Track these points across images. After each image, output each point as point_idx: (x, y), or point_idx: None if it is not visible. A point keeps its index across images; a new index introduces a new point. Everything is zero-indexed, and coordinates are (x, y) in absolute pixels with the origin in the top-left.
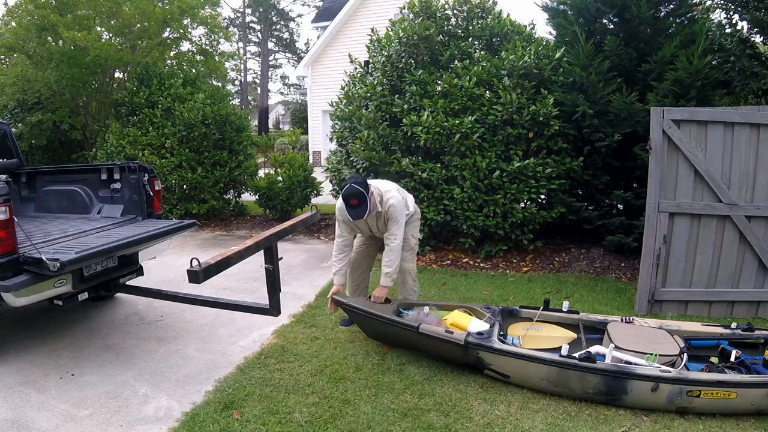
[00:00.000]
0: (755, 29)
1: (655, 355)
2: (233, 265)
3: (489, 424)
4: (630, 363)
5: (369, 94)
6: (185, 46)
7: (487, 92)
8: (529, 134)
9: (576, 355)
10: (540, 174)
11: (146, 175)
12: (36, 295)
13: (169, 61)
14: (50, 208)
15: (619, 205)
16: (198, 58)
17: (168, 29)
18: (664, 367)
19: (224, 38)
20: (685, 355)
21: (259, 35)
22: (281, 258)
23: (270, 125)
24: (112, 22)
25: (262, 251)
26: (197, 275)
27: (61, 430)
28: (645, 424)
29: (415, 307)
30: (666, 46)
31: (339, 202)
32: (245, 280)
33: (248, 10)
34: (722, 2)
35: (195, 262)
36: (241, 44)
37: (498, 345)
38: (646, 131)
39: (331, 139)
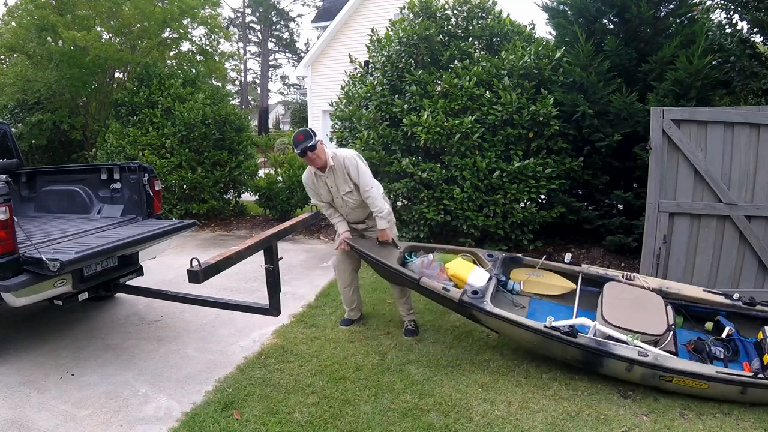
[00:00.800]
0: (755, 29)
1: (636, 336)
2: (233, 265)
3: (489, 424)
4: (611, 338)
5: (369, 94)
6: (185, 46)
7: (487, 92)
8: (529, 134)
9: (559, 326)
10: (540, 174)
11: (146, 175)
12: (36, 295)
13: (169, 61)
14: (50, 208)
15: (619, 205)
16: (198, 58)
17: (168, 29)
18: (642, 350)
19: (224, 38)
20: (671, 333)
21: (259, 35)
22: (281, 258)
23: (270, 125)
24: (111, 22)
25: (262, 251)
26: (197, 275)
27: (61, 430)
28: (645, 424)
29: (422, 252)
30: (666, 46)
31: (305, 174)
32: (245, 280)
33: (248, 10)
34: (722, 2)
35: (195, 262)
36: (241, 44)
37: (489, 308)
38: (646, 131)
39: (331, 139)
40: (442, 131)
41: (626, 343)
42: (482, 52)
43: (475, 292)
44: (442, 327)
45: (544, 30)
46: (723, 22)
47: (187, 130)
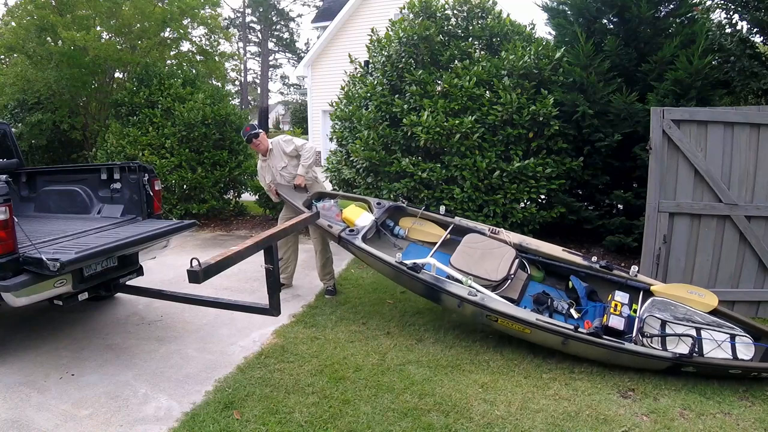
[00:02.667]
0: (755, 29)
1: (469, 279)
2: (233, 265)
3: (489, 424)
4: (450, 278)
5: (369, 94)
6: (185, 46)
7: (487, 92)
8: (529, 134)
9: (407, 262)
10: (540, 174)
11: (146, 175)
12: (36, 295)
13: (169, 61)
14: (50, 208)
15: (619, 205)
16: (198, 58)
17: (168, 29)
18: (472, 290)
19: (224, 38)
20: (509, 281)
21: (259, 35)
22: (281, 258)
23: (270, 125)
24: (111, 22)
25: (262, 251)
26: (197, 275)
27: (61, 430)
28: (645, 424)
29: (327, 198)
30: (666, 46)
31: (258, 163)
32: (245, 280)
33: (248, 10)
34: (722, 2)
35: (195, 262)
36: (241, 44)
37: (358, 243)
38: (646, 131)
39: (331, 139)
40: (442, 131)
41: (461, 283)
42: (482, 52)
43: (351, 231)
44: (442, 327)
45: (544, 30)
46: (723, 22)
47: (187, 130)
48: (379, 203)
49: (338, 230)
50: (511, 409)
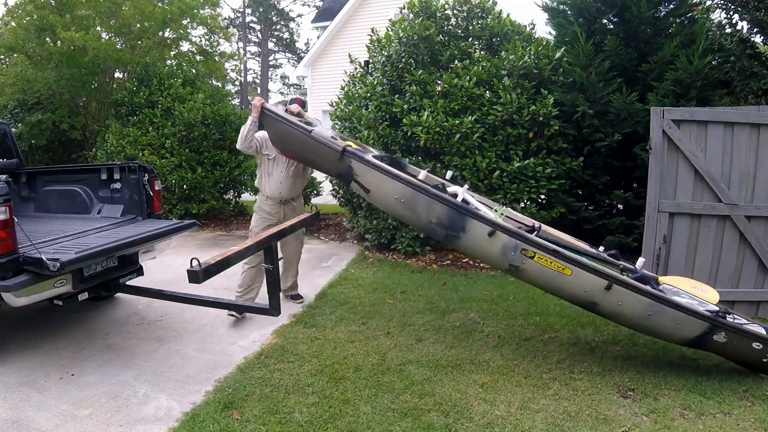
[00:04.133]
0: (755, 29)
1: (500, 212)
2: (233, 265)
3: (489, 424)
4: (478, 209)
5: (369, 94)
6: (185, 46)
7: (487, 92)
8: (529, 134)
9: (432, 183)
10: (540, 174)
11: (146, 175)
12: (36, 295)
13: (169, 61)
14: (50, 208)
15: (619, 205)
16: (198, 58)
17: (168, 29)
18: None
19: (224, 39)
20: (537, 231)
21: (259, 35)
22: (281, 258)
23: None
24: (111, 22)
25: (262, 251)
26: (197, 275)
27: (61, 430)
28: (645, 424)
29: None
30: (666, 46)
31: (262, 133)
32: None
33: (248, 10)
34: (722, 2)
35: (195, 262)
36: (241, 44)
37: (368, 157)
38: (646, 131)
39: None
40: (442, 131)
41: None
42: (482, 52)
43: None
44: (442, 327)
45: (544, 30)
46: (723, 22)
47: (187, 130)
48: (379, 153)
49: (342, 145)
50: (511, 409)
